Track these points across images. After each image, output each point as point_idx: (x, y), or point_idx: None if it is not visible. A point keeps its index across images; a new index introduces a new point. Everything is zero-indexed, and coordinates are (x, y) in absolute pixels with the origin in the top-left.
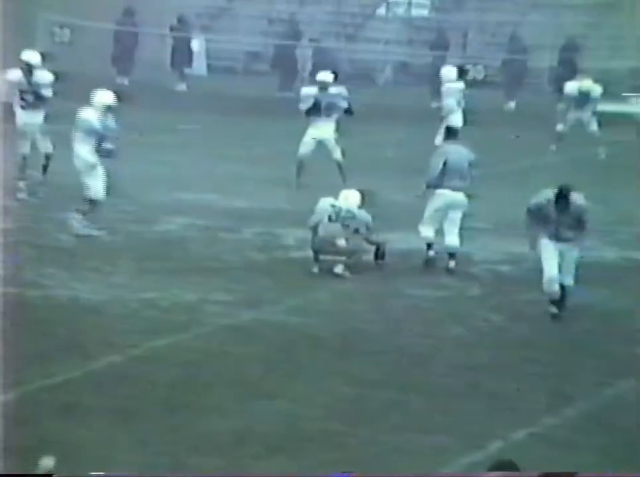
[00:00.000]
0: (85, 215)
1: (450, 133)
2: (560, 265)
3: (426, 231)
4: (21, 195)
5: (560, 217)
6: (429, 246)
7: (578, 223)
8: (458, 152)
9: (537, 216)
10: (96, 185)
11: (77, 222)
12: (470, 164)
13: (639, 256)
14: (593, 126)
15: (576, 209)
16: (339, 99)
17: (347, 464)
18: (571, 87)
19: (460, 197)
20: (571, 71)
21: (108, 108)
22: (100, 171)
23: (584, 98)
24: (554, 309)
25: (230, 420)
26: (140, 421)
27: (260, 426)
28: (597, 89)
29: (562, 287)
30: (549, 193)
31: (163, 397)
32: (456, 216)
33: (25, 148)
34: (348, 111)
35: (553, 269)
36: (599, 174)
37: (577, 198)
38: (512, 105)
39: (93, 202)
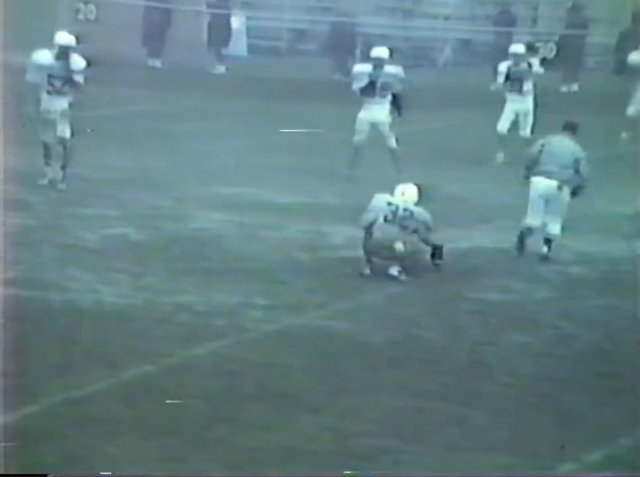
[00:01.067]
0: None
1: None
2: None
3: (531, 220)
4: (42, 181)
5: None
6: (526, 234)
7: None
8: (562, 142)
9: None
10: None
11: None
12: (577, 160)
13: None
14: None
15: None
16: (395, 79)
17: None
18: (634, 58)
19: (553, 184)
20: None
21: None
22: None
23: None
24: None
25: (274, 435)
26: (174, 437)
27: (305, 443)
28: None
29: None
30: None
31: (200, 411)
32: (556, 205)
33: (47, 136)
34: (396, 99)
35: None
36: None
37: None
38: (575, 87)
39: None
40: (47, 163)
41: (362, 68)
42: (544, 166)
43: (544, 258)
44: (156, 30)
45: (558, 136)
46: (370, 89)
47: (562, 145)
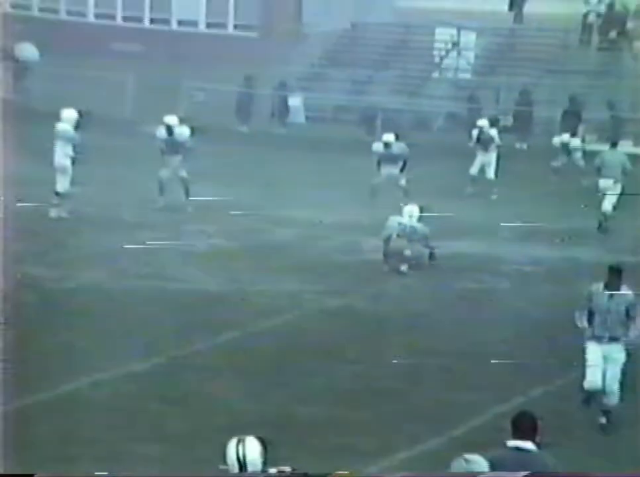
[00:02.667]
0: (56, 204)
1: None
2: (605, 371)
3: (605, 207)
4: (157, 205)
5: (611, 307)
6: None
7: (626, 316)
8: (614, 154)
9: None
10: (63, 181)
11: (52, 209)
12: (625, 168)
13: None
14: (580, 163)
15: (626, 299)
16: (401, 152)
17: (408, 415)
18: (555, 140)
19: (610, 183)
20: (576, 120)
21: (78, 123)
22: (69, 171)
23: (565, 147)
24: (603, 420)
25: (320, 379)
26: (256, 379)
27: (341, 384)
28: (575, 141)
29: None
30: (599, 283)
31: (275, 361)
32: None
33: (163, 175)
34: (405, 164)
35: (598, 381)
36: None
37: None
38: (525, 145)
39: (58, 194)
40: (161, 194)
41: (376, 147)
42: (605, 172)
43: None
44: (243, 106)
45: (610, 149)
46: (384, 159)
47: (614, 156)
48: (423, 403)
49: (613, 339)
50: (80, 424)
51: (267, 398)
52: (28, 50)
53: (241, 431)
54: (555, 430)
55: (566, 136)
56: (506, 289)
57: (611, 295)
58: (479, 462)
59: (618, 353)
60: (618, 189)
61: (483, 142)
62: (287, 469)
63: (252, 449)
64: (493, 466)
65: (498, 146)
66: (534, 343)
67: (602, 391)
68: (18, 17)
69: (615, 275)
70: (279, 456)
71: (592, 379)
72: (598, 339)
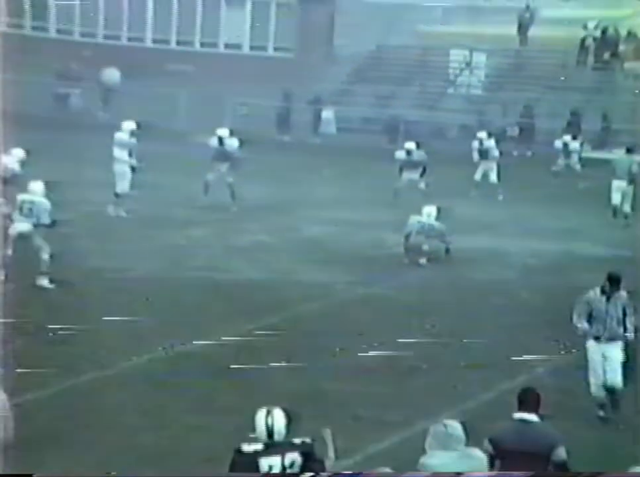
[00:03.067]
0: (116, 203)
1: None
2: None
3: (614, 200)
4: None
5: (609, 310)
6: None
7: (623, 318)
8: (623, 160)
9: (586, 312)
10: (122, 184)
11: (112, 207)
12: (631, 170)
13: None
14: (577, 167)
15: (622, 300)
16: (421, 159)
17: (426, 391)
18: (557, 143)
19: (624, 184)
20: (577, 130)
21: (133, 132)
22: (128, 175)
23: (566, 150)
24: (601, 413)
25: (349, 358)
26: (292, 357)
27: (368, 363)
28: (574, 144)
29: (612, 389)
30: (596, 289)
31: (309, 342)
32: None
33: (210, 178)
34: (425, 169)
35: (600, 377)
36: (578, 196)
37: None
38: (529, 153)
39: (117, 195)
40: (205, 194)
41: (399, 154)
42: (618, 174)
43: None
44: (283, 119)
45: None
46: (406, 166)
47: (623, 161)
48: (438, 380)
49: (611, 339)
50: (138, 396)
51: (302, 375)
52: (113, 74)
53: (278, 403)
54: (555, 405)
55: (567, 138)
56: (512, 278)
57: (609, 299)
58: (456, 428)
59: (616, 351)
60: (629, 189)
61: (483, 151)
62: (308, 440)
63: (279, 419)
64: (501, 436)
65: (497, 155)
66: (537, 327)
67: (605, 389)
68: (85, 44)
69: (614, 282)
70: (310, 427)
71: (597, 382)
72: (597, 339)
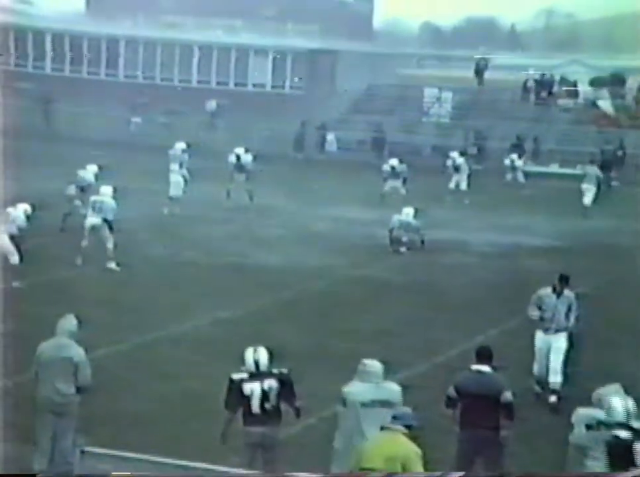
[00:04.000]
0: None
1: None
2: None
3: (586, 202)
4: (227, 205)
5: (558, 305)
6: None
7: (568, 312)
8: (591, 172)
9: (537, 305)
10: (175, 190)
11: (166, 208)
12: (598, 177)
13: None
14: (521, 179)
15: (569, 298)
16: (402, 171)
17: (406, 348)
18: (506, 161)
19: (592, 186)
20: (521, 150)
21: (184, 151)
22: (181, 184)
23: (513, 165)
24: (538, 388)
25: (346, 323)
26: (302, 324)
27: (361, 327)
28: (519, 162)
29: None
30: (547, 288)
31: (316, 312)
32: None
33: (230, 187)
34: (405, 179)
35: (543, 363)
36: (523, 201)
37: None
38: (481, 167)
39: (171, 197)
40: (227, 198)
41: (385, 168)
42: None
43: None
44: (299, 141)
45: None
46: (390, 176)
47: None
48: (415, 340)
49: (558, 330)
50: (185, 351)
51: (310, 336)
52: (211, 104)
53: (293, 360)
54: (505, 359)
55: (514, 156)
56: (472, 262)
57: (559, 296)
58: (374, 365)
59: (562, 341)
60: (594, 190)
61: (454, 166)
62: (285, 370)
63: (262, 354)
64: (462, 383)
65: (466, 168)
66: (491, 298)
67: (548, 374)
68: (146, 85)
69: (563, 281)
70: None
71: (540, 365)
72: (546, 330)
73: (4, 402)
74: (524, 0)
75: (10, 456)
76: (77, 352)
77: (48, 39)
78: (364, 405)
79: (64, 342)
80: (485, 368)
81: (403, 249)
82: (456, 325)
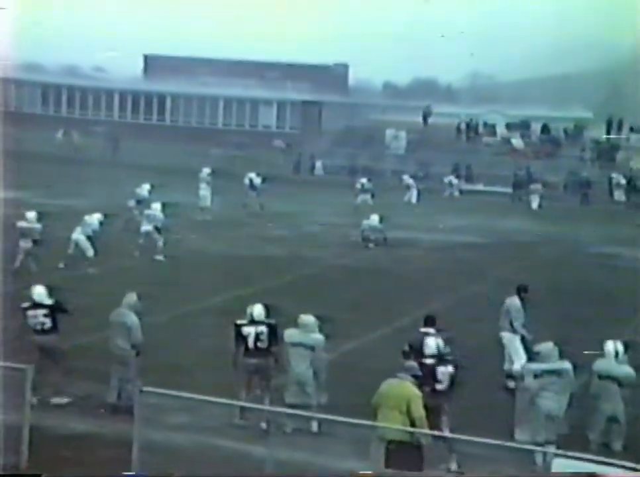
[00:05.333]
0: (200, 215)
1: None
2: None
3: (534, 206)
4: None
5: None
6: None
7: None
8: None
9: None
10: (204, 202)
11: (198, 216)
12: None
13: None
14: (456, 194)
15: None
16: (370, 188)
17: (376, 314)
18: (445, 179)
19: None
20: (457, 173)
21: (209, 174)
22: (208, 197)
23: (450, 184)
24: (511, 384)
25: (333, 294)
26: (300, 298)
27: (344, 297)
28: (455, 181)
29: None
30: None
31: (311, 289)
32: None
33: (245, 201)
34: (372, 194)
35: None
36: (458, 210)
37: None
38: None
39: (201, 208)
40: (244, 207)
41: (357, 185)
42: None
43: None
44: (296, 166)
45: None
46: (361, 191)
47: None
48: (380, 309)
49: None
50: (217, 320)
51: (306, 306)
52: (280, 143)
53: (291, 321)
54: (449, 324)
55: (451, 177)
56: (422, 254)
57: (522, 301)
58: (307, 319)
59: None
60: (538, 199)
61: (407, 185)
62: (273, 321)
63: (257, 309)
64: (414, 340)
65: (415, 186)
66: (436, 279)
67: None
68: (185, 127)
69: (522, 290)
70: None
71: (509, 362)
72: (514, 331)
73: (88, 353)
74: (457, 65)
75: (93, 393)
76: (131, 319)
77: (116, 96)
78: (292, 345)
79: (123, 311)
80: (431, 330)
81: (371, 245)
82: (409, 299)
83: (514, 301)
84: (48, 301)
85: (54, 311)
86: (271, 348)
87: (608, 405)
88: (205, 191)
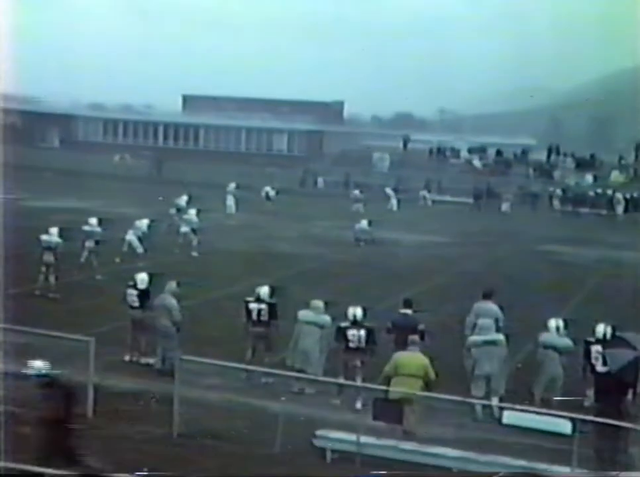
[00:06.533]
0: (226, 220)
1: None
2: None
3: (505, 208)
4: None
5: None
6: None
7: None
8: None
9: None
10: (230, 209)
11: (224, 220)
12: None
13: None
14: (430, 203)
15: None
16: (362, 198)
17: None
18: (420, 193)
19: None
20: (429, 188)
21: (235, 188)
22: (233, 207)
23: (424, 197)
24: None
25: (332, 285)
26: (308, 287)
27: (345, 281)
28: (428, 195)
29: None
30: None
31: (316, 277)
32: None
33: (263, 207)
34: (364, 203)
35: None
36: (432, 217)
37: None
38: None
39: (228, 214)
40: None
41: (352, 196)
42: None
43: None
44: (302, 181)
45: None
46: (354, 201)
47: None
48: (368, 294)
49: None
50: (235, 305)
51: (310, 292)
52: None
53: (298, 304)
54: (424, 305)
55: (425, 191)
56: (401, 251)
57: (486, 307)
58: (317, 304)
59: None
60: (509, 203)
61: (390, 196)
62: (274, 300)
63: (263, 289)
64: (395, 320)
65: (395, 196)
66: (412, 271)
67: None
68: (215, 152)
69: (490, 293)
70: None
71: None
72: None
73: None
74: (429, 102)
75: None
76: (170, 302)
77: (161, 127)
78: (306, 322)
79: (164, 296)
80: (408, 311)
81: (362, 244)
82: (391, 286)
83: (489, 306)
84: (142, 286)
85: (143, 292)
86: (271, 321)
87: (550, 369)
88: (230, 201)
